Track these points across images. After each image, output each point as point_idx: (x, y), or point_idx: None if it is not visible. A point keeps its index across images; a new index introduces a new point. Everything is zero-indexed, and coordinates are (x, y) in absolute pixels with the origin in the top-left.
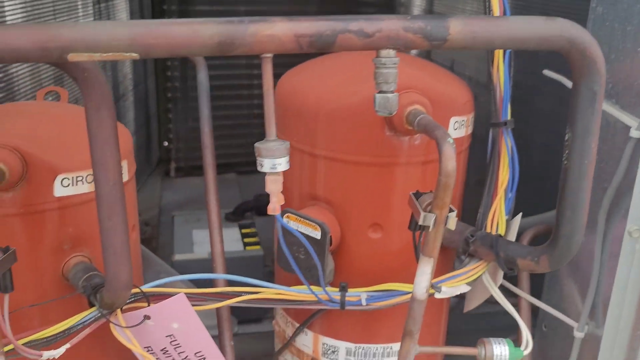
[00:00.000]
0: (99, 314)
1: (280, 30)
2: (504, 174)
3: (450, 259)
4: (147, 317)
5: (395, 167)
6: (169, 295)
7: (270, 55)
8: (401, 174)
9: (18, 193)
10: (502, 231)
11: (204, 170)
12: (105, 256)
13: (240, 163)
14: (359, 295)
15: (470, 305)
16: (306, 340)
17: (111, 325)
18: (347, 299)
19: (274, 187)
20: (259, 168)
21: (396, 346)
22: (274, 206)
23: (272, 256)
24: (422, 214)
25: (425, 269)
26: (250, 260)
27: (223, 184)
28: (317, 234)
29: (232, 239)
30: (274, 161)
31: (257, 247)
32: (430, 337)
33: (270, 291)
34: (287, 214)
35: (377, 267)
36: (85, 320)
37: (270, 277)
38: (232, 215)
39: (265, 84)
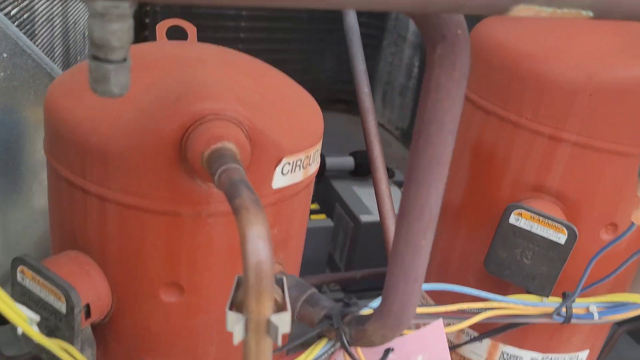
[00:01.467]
0: (333, 347)
1: None
2: None
3: None
4: (389, 350)
5: None
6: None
7: None
8: None
9: None
10: None
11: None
12: (398, 282)
13: None
14: (586, 306)
15: None
16: (478, 348)
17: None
18: (573, 311)
19: None
20: None
21: (582, 354)
22: None
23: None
24: None
25: None
26: (318, 234)
27: None
28: (557, 237)
29: None
30: None
31: (322, 215)
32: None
33: (497, 304)
34: (518, 210)
35: (599, 273)
36: (318, 357)
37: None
38: None
39: None
